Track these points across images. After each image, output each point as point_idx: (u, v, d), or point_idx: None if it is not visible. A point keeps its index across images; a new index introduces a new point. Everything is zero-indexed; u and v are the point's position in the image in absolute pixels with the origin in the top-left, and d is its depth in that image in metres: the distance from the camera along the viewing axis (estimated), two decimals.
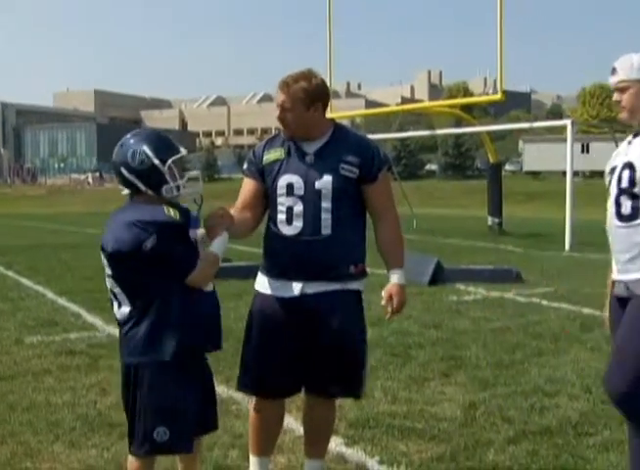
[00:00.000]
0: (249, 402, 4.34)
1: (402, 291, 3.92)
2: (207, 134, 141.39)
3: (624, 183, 3.58)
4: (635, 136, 3.68)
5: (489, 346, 7.51)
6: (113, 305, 3.54)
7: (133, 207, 3.47)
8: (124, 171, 3.44)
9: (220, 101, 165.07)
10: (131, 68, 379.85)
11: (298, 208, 3.77)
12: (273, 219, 3.85)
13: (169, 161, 3.42)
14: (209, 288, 3.53)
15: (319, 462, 4.11)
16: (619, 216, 3.64)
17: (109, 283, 3.50)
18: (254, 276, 4.05)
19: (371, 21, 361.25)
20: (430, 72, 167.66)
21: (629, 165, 3.57)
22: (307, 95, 3.76)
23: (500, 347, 7.47)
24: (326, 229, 3.77)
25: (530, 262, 15.15)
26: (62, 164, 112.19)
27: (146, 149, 3.41)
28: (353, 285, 3.88)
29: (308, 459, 4.12)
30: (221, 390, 4.99)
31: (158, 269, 3.33)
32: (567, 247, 18.70)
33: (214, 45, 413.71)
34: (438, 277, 11.83)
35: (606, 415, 5.30)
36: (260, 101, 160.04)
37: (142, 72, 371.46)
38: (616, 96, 3.66)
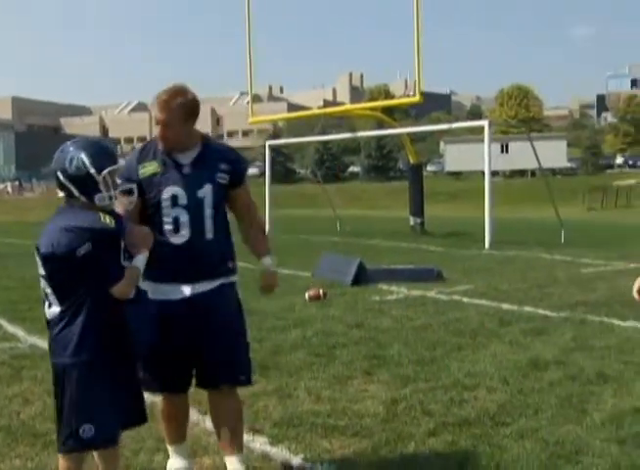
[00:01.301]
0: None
1: (276, 276, 4.42)
2: (129, 140, 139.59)
3: None
4: None
5: (411, 343, 7.66)
6: (44, 304, 3.64)
7: (71, 211, 3.59)
8: (60, 176, 3.58)
9: (141, 107, 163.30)
10: (49, 75, 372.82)
11: (184, 217, 4.01)
12: (159, 229, 3.99)
13: (105, 171, 3.55)
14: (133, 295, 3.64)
15: (238, 457, 4.19)
16: None
17: (42, 283, 3.61)
18: None
19: (291, 24, 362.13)
20: (351, 75, 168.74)
21: None
22: (186, 111, 3.99)
23: (421, 344, 7.62)
24: (209, 234, 4.07)
25: (451, 261, 15.44)
26: None
27: (83, 157, 3.54)
28: (232, 278, 4.22)
29: (228, 456, 4.21)
30: (145, 395, 4.99)
31: (87, 275, 3.47)
32: (486, 245, 19.08)
33: (134, 49, 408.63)
34: (361, 277, 11.96)
35: (522, 405, 5.51)
36: None
37: (61, 79, 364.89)
38: None
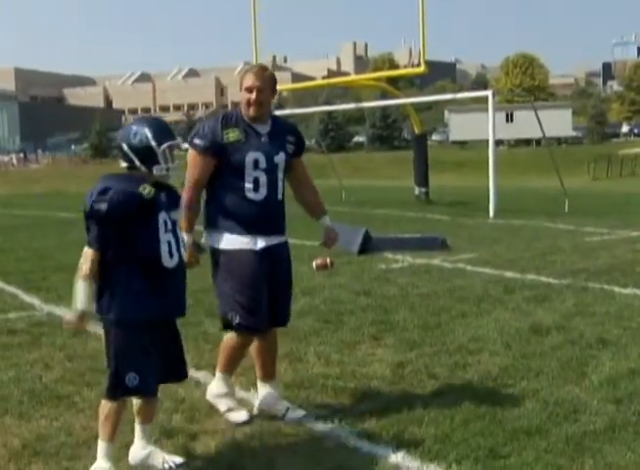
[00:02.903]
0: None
1: (335, 232, 5.10)
2: (133, 111, 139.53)
3: None
4: None
5: (416, 309, 7.88)
6: None
7: (121, 176, 4.05)
8: (125, 147, 4.02)
9: (145, 77, 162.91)
10: (52, 45, 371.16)
11: (263, 178, 4.68)
12: (238, 188, 4.65)
13: (164, 145, 4.00)
14: (172, 264, 4.05)
15: (275, 382, 5.04)
16: None
17: None
18: None
19: None
20: (355, 44, 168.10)
21: None
22: (274, 82, 4.79)
23: (426, 310, 7.85)
24: (279, 195, 4.81)
25: (456, 230, 15.60)
26: None
27: (147, 131, 4.00)
28: (286, 236, 4.94)
29: (267, 382, 4.98)
30: None
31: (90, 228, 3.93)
32: (491, 214, 19.23)
33: (136, 20, 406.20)
34: (367, 246, 12.17)
35: (524, 368, 5.73)
36: (186, 76, 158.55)
37: (63, 50, 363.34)
38: None
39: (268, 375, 5.00)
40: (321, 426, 4.68)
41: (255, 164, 4.65)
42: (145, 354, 4.00)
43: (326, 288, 9.08)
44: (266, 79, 4.70)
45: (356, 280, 9.74)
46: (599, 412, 4.77)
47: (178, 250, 4.11)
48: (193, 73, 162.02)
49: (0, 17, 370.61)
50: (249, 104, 4.68)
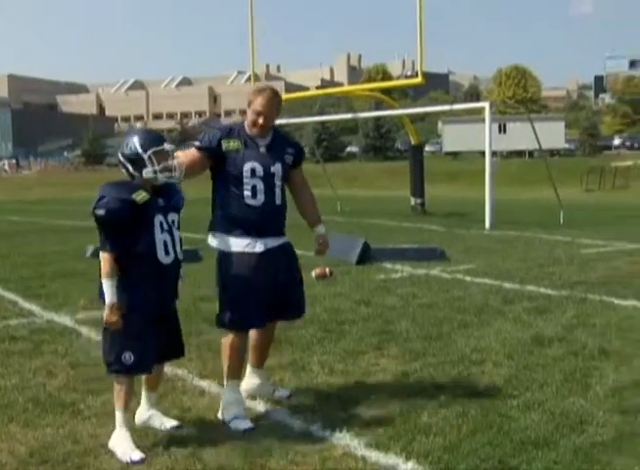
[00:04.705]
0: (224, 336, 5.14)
1: (328, 241, 5.47)
2: (126, 119, 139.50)
3: None
4: None
5: (418, 320, 7.89)
6: None
7: (119, 183, 4.53)
8: (120, 157, 4.56)
9: (138, 85, 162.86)
10: (46, 52, 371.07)
11: (260, 186, 5.03)
12: (239, 194, 5.00)
13: (150, 151, 4.47)
14: (168, 260, 4.56)
15: (264, 369, 5.53)
16: None
17: None
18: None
19: (286, 2, 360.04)
20: (349, 55, 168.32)
21: None
22: (280, 105, 5.19)
23: (428, 321, 7.86)
24: (278, 200, 5.12)
25: (453, 241, 15.65)
26: None
27: (135, 140, 4.52)
28: (287, 238, 5.28)
29: (258, 368, 5.46)
30: (166, 369, 5.23)
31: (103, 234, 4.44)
32: (487, 225, 19.28)
33: (131, 28, 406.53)
34: (366, 257, 12.19)
35: (527, 379, 5.74)
36: (179, 85, 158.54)
37: (57, 57, 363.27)
38: None
39: (260, 363, 5.47)
40: (328, 435, 4.67)
41: (253, 172, 4.99)
42: (141, 336, 4.48)
43: (326, 297, 9.09)
44: (275, 105, 5.09)
45: (356, 290, 9.75)
46: (606, 423, 4.78)
47: (174, 248, 4.60)
48: (186, 82, 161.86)
49: None
50: (255, 125, 5.06)
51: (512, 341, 6.94)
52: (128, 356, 4.48)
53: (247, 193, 5.00)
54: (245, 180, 4.99)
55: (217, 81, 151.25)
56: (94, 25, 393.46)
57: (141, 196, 4.40)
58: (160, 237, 4.51)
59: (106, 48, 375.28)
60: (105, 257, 4.41)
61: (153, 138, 4.56)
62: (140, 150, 4.48)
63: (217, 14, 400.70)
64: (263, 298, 5.03)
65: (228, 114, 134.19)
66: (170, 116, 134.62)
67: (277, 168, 5.09)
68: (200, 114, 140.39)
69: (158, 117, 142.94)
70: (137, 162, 4.48)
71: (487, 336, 7.17)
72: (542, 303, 8.75)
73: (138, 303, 4.48)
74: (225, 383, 5.14)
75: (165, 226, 4.55)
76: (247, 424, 4.89)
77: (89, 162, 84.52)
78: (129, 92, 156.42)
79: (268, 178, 5.04)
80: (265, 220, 5.05)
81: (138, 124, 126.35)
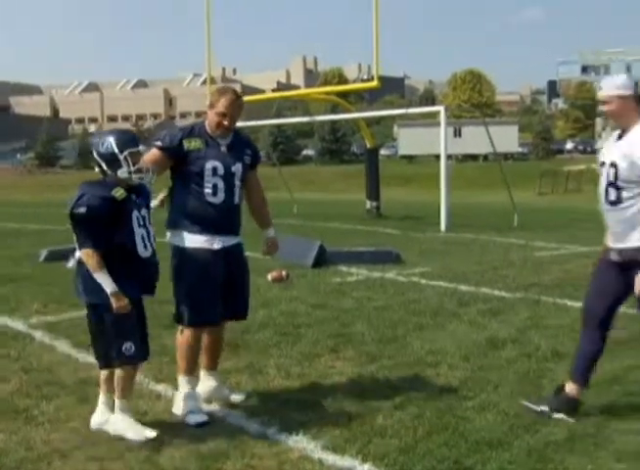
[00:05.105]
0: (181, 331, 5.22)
1: (277, 244, 5.60)
2: (80, 121, 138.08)
3: (611, 178, 4.75)
4: (619, 138, 4.83)
5: (373, 323, 7.92)
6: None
7: (96, 182, 4.67)
8: (95, 155, 4.68)
9: (93, 87, 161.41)
10: None
11: (221, 184, 5.13)
12: (200, 192, 5.10)
13: (126, 151, 4.61)
14: (147, 254, 4.72)
15: (217, 371, 5.53)
16: (608, 202, 4.81)
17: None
18: None
19: (243, 6, 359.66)
20: (305, 58, 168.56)
21: (614, 165, 4.72)
22: (242, 107, 5.27)
23: (383, 323, 7.89)
24: (236, 199, 5.24)
25: (409, 244, 15.71)
26: None
27: (112, 140, 4.64)
28: (241, 239, 5.36)
29: (210, 370, 5.46)
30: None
31: (81, 232, 4.57)
32: (442, 228, 19.40)
33: (85, 30, 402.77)
34: (322, 260, 12.19)
35: (482, 381, 5.79)
36: (134, 87, 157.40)
37: (10, 58, 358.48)
38: (602, 107, 4.88)
39: (213, 366, 5.50)
40: (285, 438, 4.67)
41: (214, 171, 5.10)
42: (134, 327, 4.69)
43: (282, 300, 9.08)
44: (238, 107, 5.19)
45: (312, 293, 9.75)
46: (558, 423, 4.85)
47: (150, 241, 4.75)
48: (142, 84, 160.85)
49: None
50: (219, 126, 5.15)
51: (467, 343, 7.00)
52: (129, 346, 4.66)
53: (207, 191, 5.10)
54: (206, 178, 5.10)
55: (173, 84, 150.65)
56: (43, 27, 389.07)
57: (120, 193, 4.57)
58: (138, 231, 4.66)
59: (59, 49, 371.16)
60: (88, 252, 4.53)
61: (129, 139, 4.71)
62: (116, 150, 4.61)
63: (173, 15, 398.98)
64: (218, 294, 5.12)
65: (184, 116, 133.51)
66: (125, 118, 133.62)
67: (237, 168, 5.21)
68: (155, 116, 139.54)
69: (112, 119, 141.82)
70: (112, 161, 4.62)
71: (443, 338, 7.22)
72: (497, 305, 8.84)
73: (129, 294, 4.63)
74: (180, 379, 5.20)
75: (142, 221, 4.70)
76: (202, 418, 5.01)
77: (42, 164, 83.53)
78: (83, 94, 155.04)
79: (229, 177, 5.15)
80: (224, 218, 5.16)
81: (92, 127, 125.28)
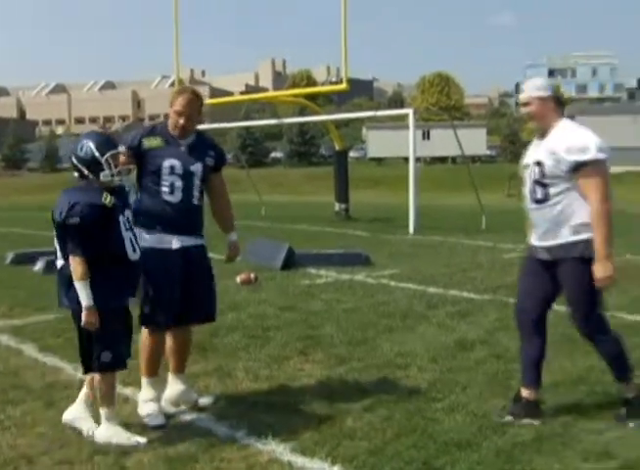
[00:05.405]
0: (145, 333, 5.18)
1: (239, 248, 5.54)
2: (47, 123, 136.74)
3: (536, 176, 4.84)
4: (540, 138, 4.98)
5: (343, 325, 7.92)
6: (56, 257, 4.73)
7: (80, 188, 4.67)
8: (74, 159, 4.67)
9: (60, 88, 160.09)
10: None
11: (178, 183, 5.10)
12: (157, 190, 5.08)
13: (107, 154, 4.62)
14: (135, 257, 4.72)
15: (185, 375, 5.45)
16: (534, 200, 4.90)
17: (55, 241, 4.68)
18: None
19: (212, 7, 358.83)
20: (273, 61, 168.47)
21: (539, 163, 4.82)
22: (202, 106, 5.30)
23: (352, 325, 7.89)
24: (196, 200, 5.19)
25: (377, 246, 15.74)
26: None
27: (91, 144, 4.65)
28: (204, 240, 5.31)
29: (178, 373, 5.38)
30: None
31: (72, 240, 4.52)
32: (411, 230, 19.46)
33: (51, 31, 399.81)
34: (290, 262, 12.18)
35: (451, 383, 5.81)
36: (102, 88, 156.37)
37: None
38: (522, 109, 5.02)
39: (180, 369, 5.41)
40: (254, 441, 4.66)
41: (172, 169, 5.07)
42: (116, 334, 4.67)
43: (251, 303, 9.06)
44: (196, 107, 5.17)
45: (281, 295, 9.74)
46: (526, 425, 4.87)
47: (137, 244, 4.76)
48: (109, 86, 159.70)
49: None
50: (176, 126, 5.15)
51: (436, 345, 7.03)
52: (108, 355, 4.64)
53: (164, 189, 5.08)
54: (163, 177, 5.08)
55: (141, 85, 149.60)
56: (9, 27, 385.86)
57: (108, 199, 4.59)
58: (126, 235, 4.68)
59: (26, 51, 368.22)
60: (77, 260, 4.50)
61: (108, 142, 4.72)
62: (97, 154, 4.62)
63: (141, 17, 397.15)
64: (176, 295, 5.07)
65: (152, 118, 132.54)
66: (93, 120, 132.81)
67: (197, 168, 5.16)
68: (123, 118, 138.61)
69: (80, 121, 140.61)
70: (93, 165, 4.62)
71: (412, 340, 7.24)
72: (465, 307, 8.88)
73: (118, 301, 4.69)
74: (142, 380, 5.21)
75: (127, 224, 4.72)
76: (158, 420, 5.03)
77: (9, 166, 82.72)
78: (50, 96, 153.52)
79: (187, 177, 5.11)
80: (183, 218, 5.11)
81: (60, 129, 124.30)
